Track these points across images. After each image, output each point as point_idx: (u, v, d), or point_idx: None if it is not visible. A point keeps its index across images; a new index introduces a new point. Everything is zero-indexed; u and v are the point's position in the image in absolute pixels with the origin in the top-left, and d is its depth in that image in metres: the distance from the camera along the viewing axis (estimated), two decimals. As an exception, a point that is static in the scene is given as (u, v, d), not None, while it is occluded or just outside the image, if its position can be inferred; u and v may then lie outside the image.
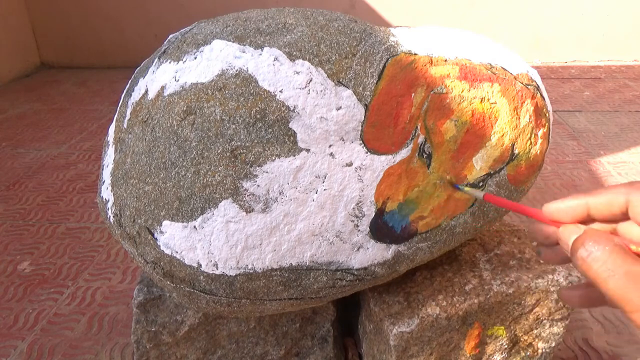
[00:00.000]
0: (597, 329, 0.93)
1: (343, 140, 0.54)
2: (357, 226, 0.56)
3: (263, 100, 0.51)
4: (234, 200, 0.52)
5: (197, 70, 0.53)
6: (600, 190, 0.29)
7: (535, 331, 0.72)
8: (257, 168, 0.51)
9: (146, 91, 0.56)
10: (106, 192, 0.58)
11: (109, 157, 0.60)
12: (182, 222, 0.52)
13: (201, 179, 0.51)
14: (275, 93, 0.51)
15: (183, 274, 0.55)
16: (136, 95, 0.58)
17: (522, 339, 0.72)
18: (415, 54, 0.56)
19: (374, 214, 0.56)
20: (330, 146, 0.53)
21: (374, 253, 0.58)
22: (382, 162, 0.55)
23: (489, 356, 0.71)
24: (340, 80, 0.52)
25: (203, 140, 0.51)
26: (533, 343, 0.73)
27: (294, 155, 0.52)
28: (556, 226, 0.31)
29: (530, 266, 0.71)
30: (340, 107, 0.52)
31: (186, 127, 0.51)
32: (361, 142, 0.54)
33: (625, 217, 0.29)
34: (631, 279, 0.24)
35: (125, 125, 0.58)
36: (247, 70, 0.51)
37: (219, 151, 0.51)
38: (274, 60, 0.51)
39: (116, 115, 0.62)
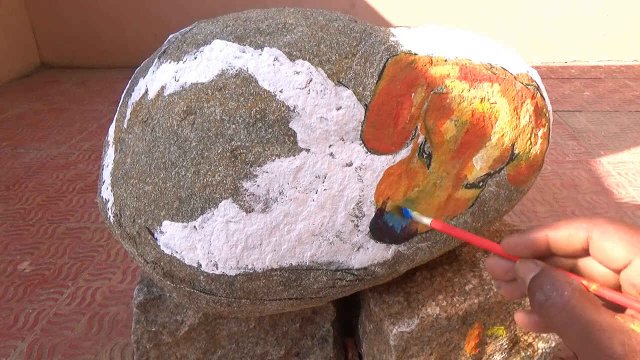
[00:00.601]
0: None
1: (343, 140, 0.54)
2: (357, 226, 0.56)
3: (263, 100, 0.51)
4: (234, 200, 0.52)
5: (197, 70, 0.53)
6: (560, 224, 0.28)
7: (535, 331, 0.72)
8: (257, 168, 0.51)
9: (146, 91, 0.56)
10: (106, 192, 0.58)
11: (109, 157, 0.60)
12: (182, 222, 0.52)
13: (201, 179, 0.51)
14: (275, 93, 0.51)
15: (183, 274, 0.55)
16: (136, 95, 0.58)
17: (522, 339, 0.72)
18: (415, 54, 0.56)
19: (374, 214, 0.56)
20: (330, 146, 0.53)
21: (374, 253, 0.58)
22: (382, 162, 0.55)
23: (489, 356, 0.71)
24: (340, 80, 0.52)
25: (203, 140, 0.51)
26: (533, 343, 0.73)
27: (294, 155, 0.52)
28: (514, 260, 0.29)
29: (530, 266, 0.71)
30: (340, 107, 0.52)
31: (186, 127, 0.51)
32: (361, 142, 0.54)
33: (586, 253, 0.27)
34: (591, 330, 0.23)
35: (125, 125, 0.58)
36: (247, 70, 0.51)
37: (219, 151, 0.51)
38: (274, 60, 0.51)
39: (116, 115, 0.62)
